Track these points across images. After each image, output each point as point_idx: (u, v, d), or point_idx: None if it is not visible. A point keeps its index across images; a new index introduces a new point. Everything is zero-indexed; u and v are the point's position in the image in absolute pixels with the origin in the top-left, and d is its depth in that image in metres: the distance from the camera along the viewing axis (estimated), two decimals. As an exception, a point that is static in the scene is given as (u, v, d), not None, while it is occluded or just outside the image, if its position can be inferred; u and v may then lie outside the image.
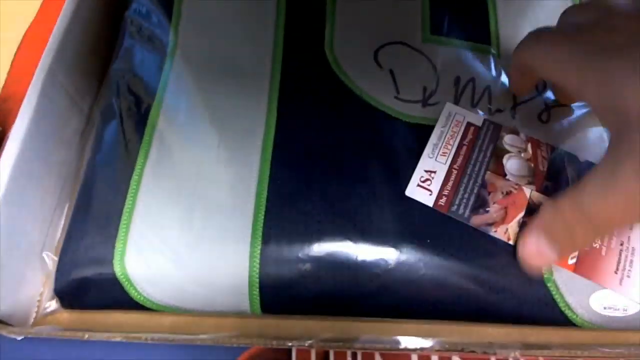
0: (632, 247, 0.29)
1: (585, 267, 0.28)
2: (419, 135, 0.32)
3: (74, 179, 0.34)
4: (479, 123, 0.33)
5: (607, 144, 0.32)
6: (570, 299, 0.28)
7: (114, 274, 0.28)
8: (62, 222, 0.33)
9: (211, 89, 0.34)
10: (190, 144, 0.32)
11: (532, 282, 0.28)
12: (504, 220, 0.29)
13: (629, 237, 0.29)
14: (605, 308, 0.28)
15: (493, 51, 0.36)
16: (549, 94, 0.35)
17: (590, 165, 0.32)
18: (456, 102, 0.34)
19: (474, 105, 0.34)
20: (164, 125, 0.32)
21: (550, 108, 0.34)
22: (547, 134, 0.33)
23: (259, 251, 0.28)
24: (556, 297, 0.28)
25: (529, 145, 0.32)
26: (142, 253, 0.28)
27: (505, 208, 0.30)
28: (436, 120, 0.33)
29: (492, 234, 0.29)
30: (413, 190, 0.30)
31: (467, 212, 0.30)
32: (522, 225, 0.29)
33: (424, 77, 0.34)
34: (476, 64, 0.36)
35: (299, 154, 0.31)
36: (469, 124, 0.33)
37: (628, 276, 0.28)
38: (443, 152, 0.31)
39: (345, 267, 0.28)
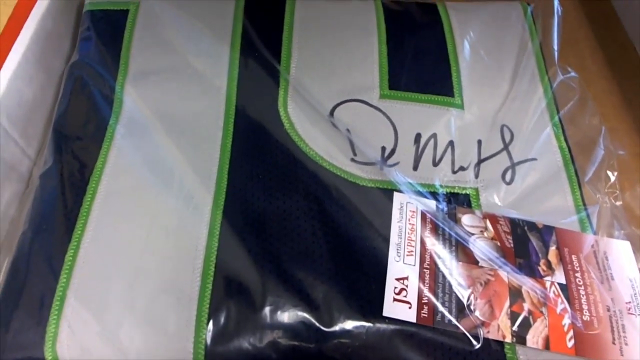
0: (619, 310, 0.28)
1: (585, 347, 0.26)
2: (378, 201, 0.30)
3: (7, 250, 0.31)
4: (433, 208, 0.30)
5: (568, 205, 0.32)
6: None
7: None
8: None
9: (159, 150, 0.32)
10: (135, 211, 0.29)
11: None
12: (492, 316, 0.27)
13: (611, 299, 0.28)
14: None
15: (457, 102, 0.35)
16: (516, 145, 0.33)
17: (550, 230, 0.30)
18: (416, 161, 0.32)
19: (435, 164, 0.33)
20: (107, 191, 0.30)
21: (515, 165, 0.33)
22: (510, 197, 0.32)
23: (204, 335, 0.26)
24: None
25: (488, 223, 0.30)
26: (76, 336, 0.26)
27: (490, 301, 0.27)
28: (396, 184, 0.31)
29: (486, 336, 0.26)
30: (391, 308, 0.27)
31: (454, 319, 0.27)
32: (513, 317, 0.27)
33: (382, 136, 0.33)
34: (438, 118, 0.34)
35: (249, 225, 0.29)
36: (423, 213, 0.30)
37: (626, 344, 0.27)
38: (409, 252, 0.28)
39: (297, 350, 0.26)
